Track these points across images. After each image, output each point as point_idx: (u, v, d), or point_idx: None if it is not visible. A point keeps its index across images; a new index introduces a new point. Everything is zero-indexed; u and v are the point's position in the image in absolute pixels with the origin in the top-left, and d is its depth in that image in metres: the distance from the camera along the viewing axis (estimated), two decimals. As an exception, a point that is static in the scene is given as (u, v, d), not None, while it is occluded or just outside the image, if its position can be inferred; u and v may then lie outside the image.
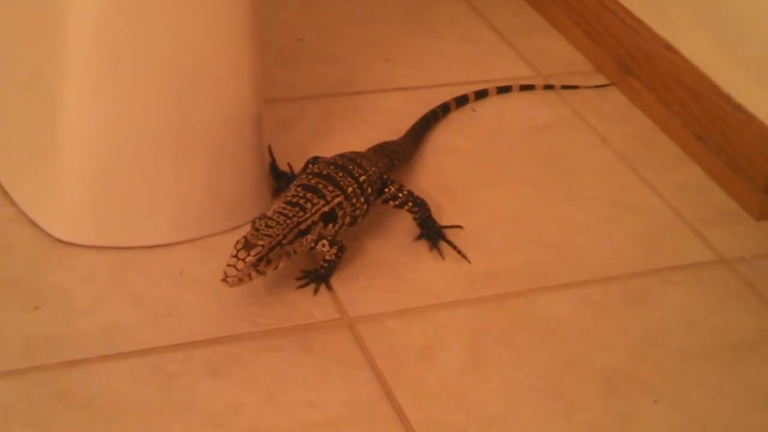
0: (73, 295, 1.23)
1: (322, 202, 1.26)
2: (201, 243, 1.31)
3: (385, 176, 1.35)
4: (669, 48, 1.62)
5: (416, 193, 1.37)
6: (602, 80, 1.73)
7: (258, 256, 1.18)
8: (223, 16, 1.24)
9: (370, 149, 1.41)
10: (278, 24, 1.77)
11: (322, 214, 1.26)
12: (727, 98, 1.52)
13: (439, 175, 1.49)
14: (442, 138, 1.56)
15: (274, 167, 1.41)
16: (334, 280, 1.28)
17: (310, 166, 1.35)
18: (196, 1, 1.22)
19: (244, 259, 1.17)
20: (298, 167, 1.40)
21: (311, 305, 1.25)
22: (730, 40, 1.53)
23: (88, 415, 1.09)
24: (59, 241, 1.28)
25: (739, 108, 1.50)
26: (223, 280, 1.17)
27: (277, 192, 1.39)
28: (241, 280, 1.17)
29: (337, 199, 1.28)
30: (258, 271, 1.19)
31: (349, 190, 1.29)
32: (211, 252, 1.29)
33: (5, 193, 1.34)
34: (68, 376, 1.13)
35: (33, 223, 1.30)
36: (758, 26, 1.49)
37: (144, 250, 1.29)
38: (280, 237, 1.21)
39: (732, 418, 1.18)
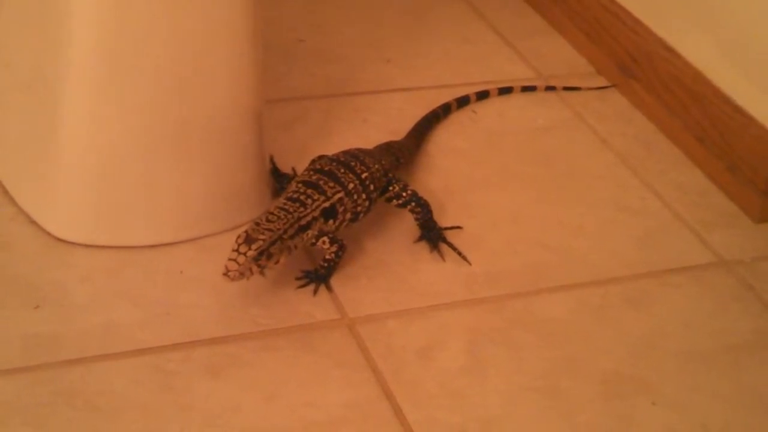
0: (72, 294, 1.23)
1: (322, 198, 1.27)
2: (201, 243, 1.31)
3: (390, 174, 1.36)
4: (669, 50, 1.62)
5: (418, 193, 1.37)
6: (603, 82, 1.73)
7: (259, 250, 1.18)
8: (224, 15, 1.24)
9: (376, 147, 1.42)
10: (279, 24, 1.78)
11: (323, 210, 1.26)
12: (727, 100, 1.52)
13: (439, 176, 1.49)
14: (443, 139, 1.56)
15: (275, 170, 1.41)
16: (334, 281, 1.28)
17: (314, 162, 1.36)
18: (197, 1, 1.22)
19: (245, 254, 1.17)
20: (299, 169, 1.40)
21: (311, 305, 1.25)
22: (731, 43, 1.53)
23: (86, 414, 1.09)
24: (59, 240, 1.28)
25: (739, 110, 1.51)
26: (225, 274, 1.17)
27: (278, 193, 1.39)
28: (242, 275, 1.17)
29: (338, 195, 1.28)
30: (259, 266, 1.19)
31: (350, 186, 1.29)
32: (210, 252, 1.29)
33: (5, 192, 1.34)
34: (67, 375, 1.13)
35: (33, 222, 1.30)
36: (759, 29, 1.49)
37: (144, 250, 1.29)
38: (281, 231, 1.21)
39: (730, 421, 1.18)
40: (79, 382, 1.13)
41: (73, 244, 1.28)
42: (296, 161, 1.43)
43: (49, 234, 1.29)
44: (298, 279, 1.27)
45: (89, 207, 1.28)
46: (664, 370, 1.23)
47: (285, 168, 1.43)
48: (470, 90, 1.65)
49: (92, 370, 1.14)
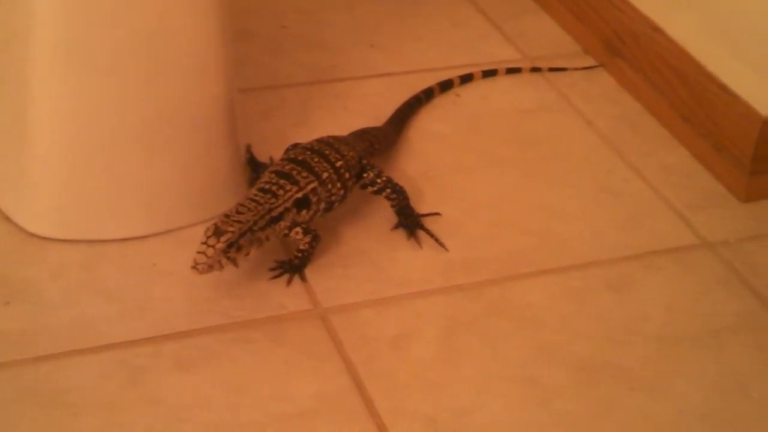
0: (44, 289, 1.22)
1: (295, 188, 1.25)
2: (174, 235, 1.30)
3: (364, 161, 1.34)
4: (655, 28, 1.60)
5: (396, 179, 1.35)
6: (591, 62, 1.71)
7: (228, 242, 1.17)
8: (190, 3, 1.22)
9: (351, 134, 1.40)
10: (263, 11, 1.76)
11: (295, 201, 1.25)
12: (712, 79, 1.50)
13: (420, 161, 1.47)
14: (425, 124, 1.55)
15: (251, 159, 1.39)
16: (309, 270, 1.27)
17: (288, 151, 1.34)
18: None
19: (214, 246, 1.16)
20: (277, 158, 1.38)
21: (284, 296, 1.24)
22: (716, 22, 1.51)
23: (53, 410, 1.08)
24: (32, 235, 1.28)
25: (724, 88, 1.48)
26: (193, 267, 1.16)
27: (254, 183, 1.38)
28: (211, 267, 1.16)
29: (311, 185, 1.26)
30: (229, 258, 1.18)
31: (324, 175, 1.28)
32: (184, 244, 1.27)
33: (-20, 188, 1.34)
34: (36, 371, 1.12)
35: (6, 218, 1.29)
36: (744, 7, 1.47)
37: (117, 243, 1.28)
38: (251, 223, 1.20)
39: (709, 405, 1.16)
40: (47, 378, 1.12)
41: (45, 239, 1.27)
42: (276, 150, 1.41)
43: (22, 229, 1.28)
44: (271, 270, 1.26)
45: (61, 202, 1.27)
46: (643, 355, 1.22)
47: (264, 157, 1.41)
48: (455, 74, 1.63)
49: (60, 367, 1.13)
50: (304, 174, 1.27)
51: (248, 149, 1.40)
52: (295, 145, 1.35)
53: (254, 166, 1.39)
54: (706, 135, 1.50)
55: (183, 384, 1.13)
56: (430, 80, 1.61)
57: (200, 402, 1.11)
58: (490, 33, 1.77)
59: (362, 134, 1.40)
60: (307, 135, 1.43)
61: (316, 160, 1.29)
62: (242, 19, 1.72)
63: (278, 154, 1.38)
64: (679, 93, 1.55)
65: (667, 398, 1.16)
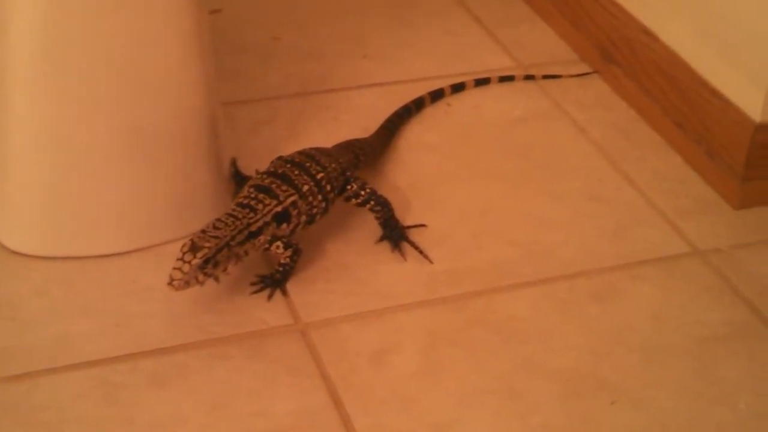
0: (23, 306, 1.22)
1: (274, 202, 1.24)
2: (155, 251, 1.29)
3: (348, 173, 1.33)
4: (649, 34, 1.58)
5: (383, 190, 1.35)
6: (586, 69, 1.69)
7: (204, 258, 1.16)
8: (165, 19, 1.22)
9: (335, 146, 1.39)
10: (255, 23, 1.75)
11: (275, 215, 1.24)
12: (705, 85, 1.48)
13: (408, 172, 1.46)
14: (415, 134, 1.53)
15: (236, 174, 1.38)
16: (291, 285, 1.26)
17: (271, 164, 1.33)
18: (137, 4, 1.20)
19: (190, 262, 1.16)
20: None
21: (264, 311, 1.23)
22: (710, 28, 1.49)
23: (29, 429, 1.08)
24: (13, 252, 1.28)
25: (717, 95, 1.46)
26: (169, 283, 1.15)
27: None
28: (187, 284, 1.16)
29: (291, 199, 1.25)
30: (206, 274, 1.17)
31: (305, 188, 1.27)
32: (165, 260, 1.26)
33: (-36, 206, 1.34)
34: (13, 390, 1.12)
35: (-11, 236, 1.30)
36: (738, 14, 1.44)
37: (97, 260, 1.28)
38: (228, 238, 1.19)
39: (694, 416, 1.14)
40: (24, 396, 1.12)
41: (26, 256, 1.27)
42: (266, 163, 1.40)
43: (3, 246, 1.28)
44: (252, 284, 1.25)
45: (41, 219, 1.27)
46: (627, 366, 1.20)
47: (252, 171, 1.40)
48: (447, 82, 1.62)
49: (38, 384, 1.13)
50: (284, 187, 1.26)
51: (233, 163, 1.39)
52: (279, 158, 1.34)
53: (239, 180, 1.38)
54: (699, 141, 1.48)
55: (160, 401, 1.12)
56: (423, 90, 1.60)
57: (177, 419, 1.10)
58: (484, 41, 1.76)
59: (347, 146, 1.39)
60: (297, 147, 1.41)
61: (296, 172, 1.28)
62: (234, 31, 1.72)
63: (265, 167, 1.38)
64: (672, 99, 1.53)
65: (650, 411, 1.15)
